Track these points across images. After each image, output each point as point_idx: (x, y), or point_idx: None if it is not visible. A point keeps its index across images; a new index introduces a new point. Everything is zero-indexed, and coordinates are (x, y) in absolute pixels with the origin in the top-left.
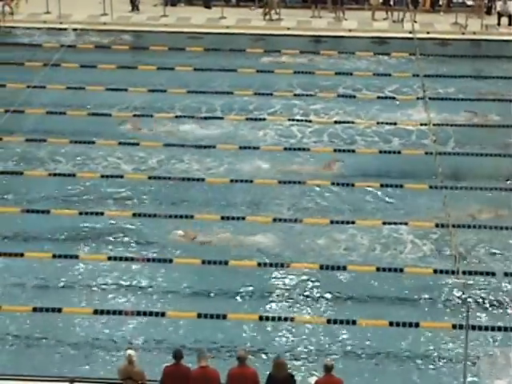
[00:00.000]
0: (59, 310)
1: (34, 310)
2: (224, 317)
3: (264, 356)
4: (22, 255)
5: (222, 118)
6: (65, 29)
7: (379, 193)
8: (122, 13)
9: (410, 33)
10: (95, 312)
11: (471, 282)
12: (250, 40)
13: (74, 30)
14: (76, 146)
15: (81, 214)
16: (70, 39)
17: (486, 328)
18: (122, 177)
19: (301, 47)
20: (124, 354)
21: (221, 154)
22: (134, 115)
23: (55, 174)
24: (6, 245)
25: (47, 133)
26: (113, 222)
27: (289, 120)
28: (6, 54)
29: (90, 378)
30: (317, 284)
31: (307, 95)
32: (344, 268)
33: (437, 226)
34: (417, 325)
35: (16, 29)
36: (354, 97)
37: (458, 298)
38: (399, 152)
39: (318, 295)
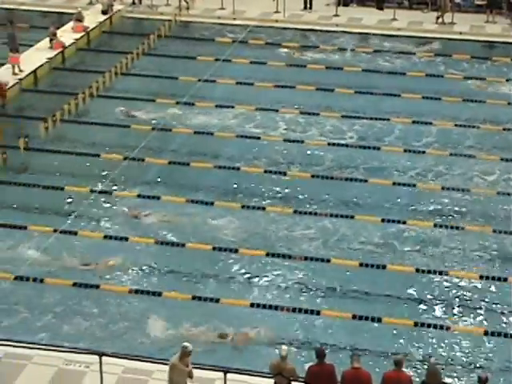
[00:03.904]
0: (217, 301)
1: (193, 298)
2: (379, 320)
3: (418, 363)
4: (183, 245)
5: (388, 120)
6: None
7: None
8: (294, 11)
9: None
10: (252, 305)
11: None
12: (421, 43)
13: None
14: (242, 141)
15: (243, 207)
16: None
17: None
18: (285, 174)
19: (473, 52)
20: (278, 350)
21: (385, 156)
22: (301, 112)
23: (220, 167)
24: (168, 234)
25: (215, 126)
26: (275, 217)
27: (456, 126)
28: (180, 47)
29: (242, 370)
30: (475, 293)
31: (477, 101)
32: (505, 280)
33: None
34: None
35: (191, 23)
36: None
37: None
38: None
39: (477, 305)
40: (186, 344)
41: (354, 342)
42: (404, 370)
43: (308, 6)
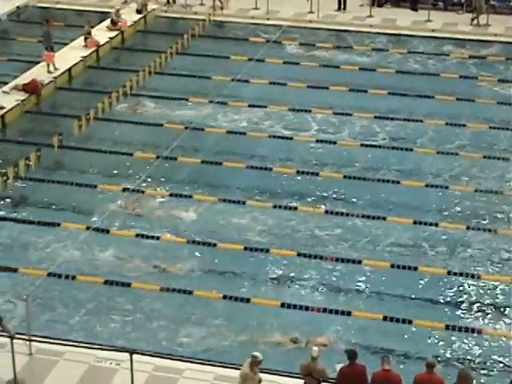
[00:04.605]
0: (248, 301)
1: (224, 297)
2: (410, 322)
3: (449, 366)
4: (215, 245)
5: (421, 121)
6: None
7: None
8: (328, 11)
9: None
10: (282, 305)
11: None
12: (455, 45)
13: None
14: (274, 141)
15: (275, 207)
16: None
17: None
18: (317, 174)
19: (508, 54)
20: (309, 351)
21: (418, 157)
22: (334, 113)
23: (252, 167)
24: (200, 233)
25: (248, 126)
26: (307, 217)
27: (489, 128)
28: (213, 47)
29: (272, 370)
30: (508, 297)
31: (511, 104)
32: None
33: None
34: None
35: (225, 23)
36: None
37: None
38: None
39: (509, 308)
40: (256, 354)
41: (385, 344)
42: (436, 372)
43: (342, 6)
